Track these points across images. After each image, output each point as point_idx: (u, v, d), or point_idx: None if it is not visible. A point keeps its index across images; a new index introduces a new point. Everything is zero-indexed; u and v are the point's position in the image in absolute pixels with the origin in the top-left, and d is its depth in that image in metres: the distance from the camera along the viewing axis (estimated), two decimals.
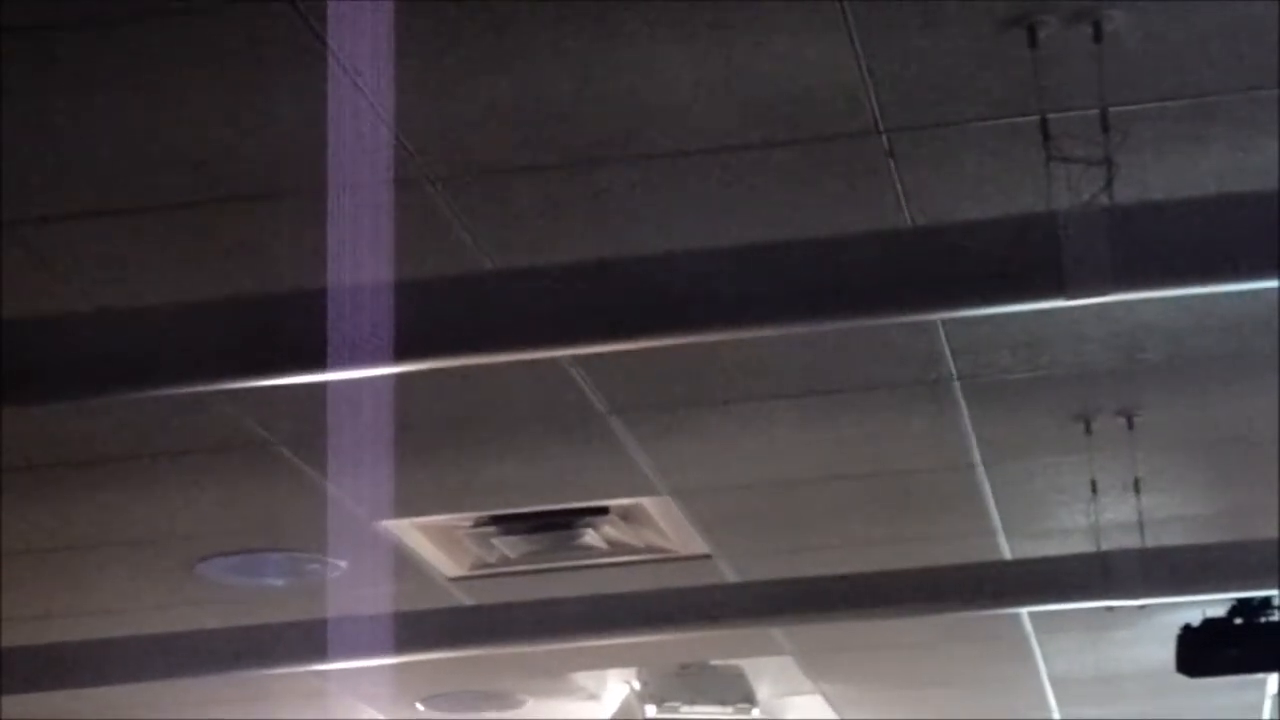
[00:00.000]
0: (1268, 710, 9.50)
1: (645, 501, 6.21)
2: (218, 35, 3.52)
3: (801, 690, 8.74)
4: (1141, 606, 6.60)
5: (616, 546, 6.56)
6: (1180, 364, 5.35)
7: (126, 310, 4.09)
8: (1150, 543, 6.23)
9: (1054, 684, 8.93)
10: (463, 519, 6.32)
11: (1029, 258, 3.69)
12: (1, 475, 5.38)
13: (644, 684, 8.42)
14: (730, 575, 6.83)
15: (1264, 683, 8.86)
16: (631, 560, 6.64)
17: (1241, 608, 6.01)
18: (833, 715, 9.15)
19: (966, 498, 6.31)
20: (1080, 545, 6.50)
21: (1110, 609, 6.73)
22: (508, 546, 6.47)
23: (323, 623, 6.14)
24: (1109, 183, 3.81)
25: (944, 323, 4.95)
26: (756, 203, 4.25)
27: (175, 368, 3.93)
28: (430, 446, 5.56)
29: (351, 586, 6.50)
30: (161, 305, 4.05)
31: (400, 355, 3.81)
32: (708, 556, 6.69)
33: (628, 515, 6.37)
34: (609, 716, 8.62)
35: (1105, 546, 6.26)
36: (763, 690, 8.56)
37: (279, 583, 6.50)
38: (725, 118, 3.92)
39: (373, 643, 6.07)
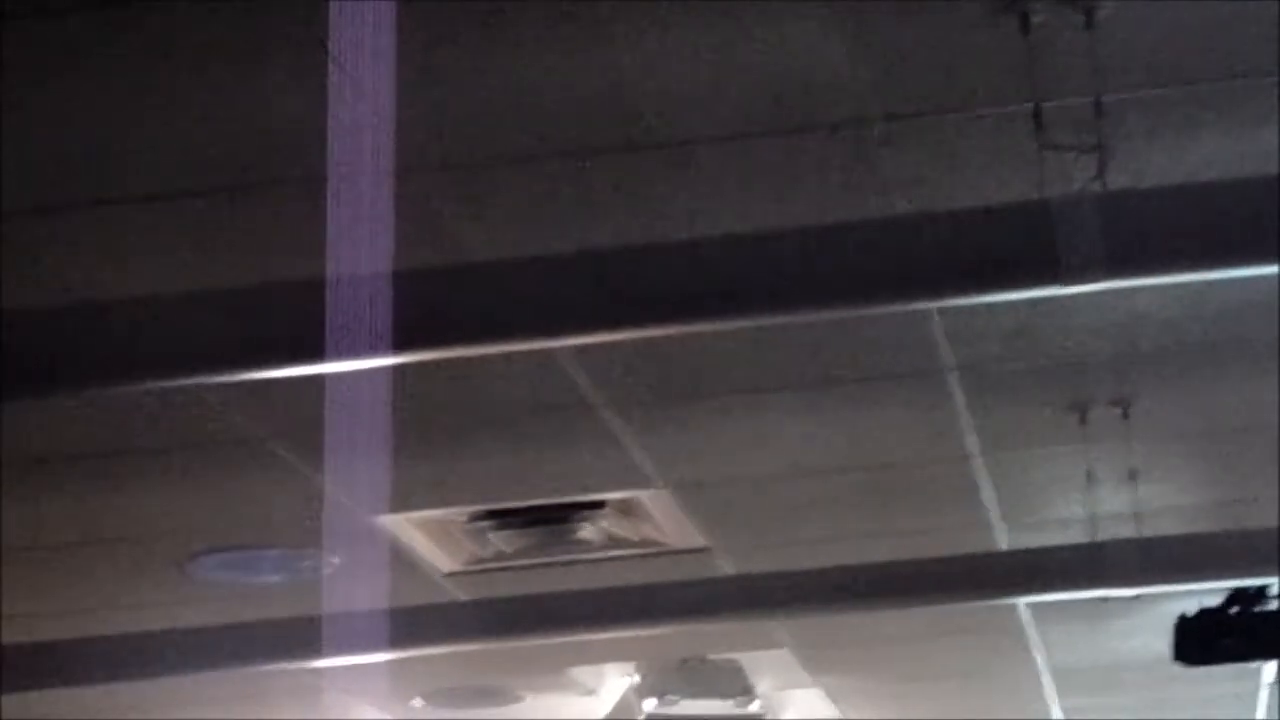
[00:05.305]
0: (1264, 699, 9.51)
1: (642, 495, 6.20)
2: (212, 26, 3.51)
3: (801, 684, 8.73)
4: (1137, 596, 6.61)
5: (613, 540, 6.54)
6: (1175, 353, 5.35)
7: (117, 302, 4.08)
8: (1146, 532, 6.23)
9: (1052, 674, 8.93)
10: (458, 514, 6.31)
11: (1022, 246, 3.69)
12: None
13: (642, 678, 8.41)
14: (727, 568, 6.83)
15: (1260, 671, 8.86)
16: (628, 554, 6.63)
17: (1238, 597, 6.00)
18: (832, 708, 9.15)
19: (962, 488, 6.31)
20: (1076, 535, 6.51)
21: (1107, 599, 6.73)
22: (503, 541, 6.46)
23: (317, 619, 6.13)
24: (1102, 170, 3.81)
25: (939, 313, 4.94)
26: (749, 192, 4.24)
27: (169, 360, 3.92)
28: (425, 441, 5.55)
29: (346, 583, 6.49)
30: (153, 297, 4.04)
31: (394, 347, 3.81)
32: (705, 550, 6.69)
33: (624, 509, 6.36)
34: (607, 712, 8.61)
35: (1101, 537, 6.26)
36: (762, 684, 8.55)
37: (273, 579, 6.48)
38: (717, 107, 3.92)
39: (368, 639, 6.06)
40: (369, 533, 6.22)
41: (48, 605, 6.61)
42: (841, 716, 9.27)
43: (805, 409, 5.58)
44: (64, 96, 3.69)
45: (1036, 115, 3.89)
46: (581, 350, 4.91)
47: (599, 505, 6.29)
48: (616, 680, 8.55)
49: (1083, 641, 8.35)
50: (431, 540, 6.50)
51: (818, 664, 8.40)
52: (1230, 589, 6.02)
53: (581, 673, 8.36)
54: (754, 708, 8.48)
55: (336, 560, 6.40)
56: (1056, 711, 9.59)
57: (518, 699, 8.64)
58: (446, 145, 4.00)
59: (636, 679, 8.43)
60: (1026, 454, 6.08)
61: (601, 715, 8.62)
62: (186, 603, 6.66)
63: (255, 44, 3.57)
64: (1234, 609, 5.98)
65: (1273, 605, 5.98)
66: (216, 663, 6.38)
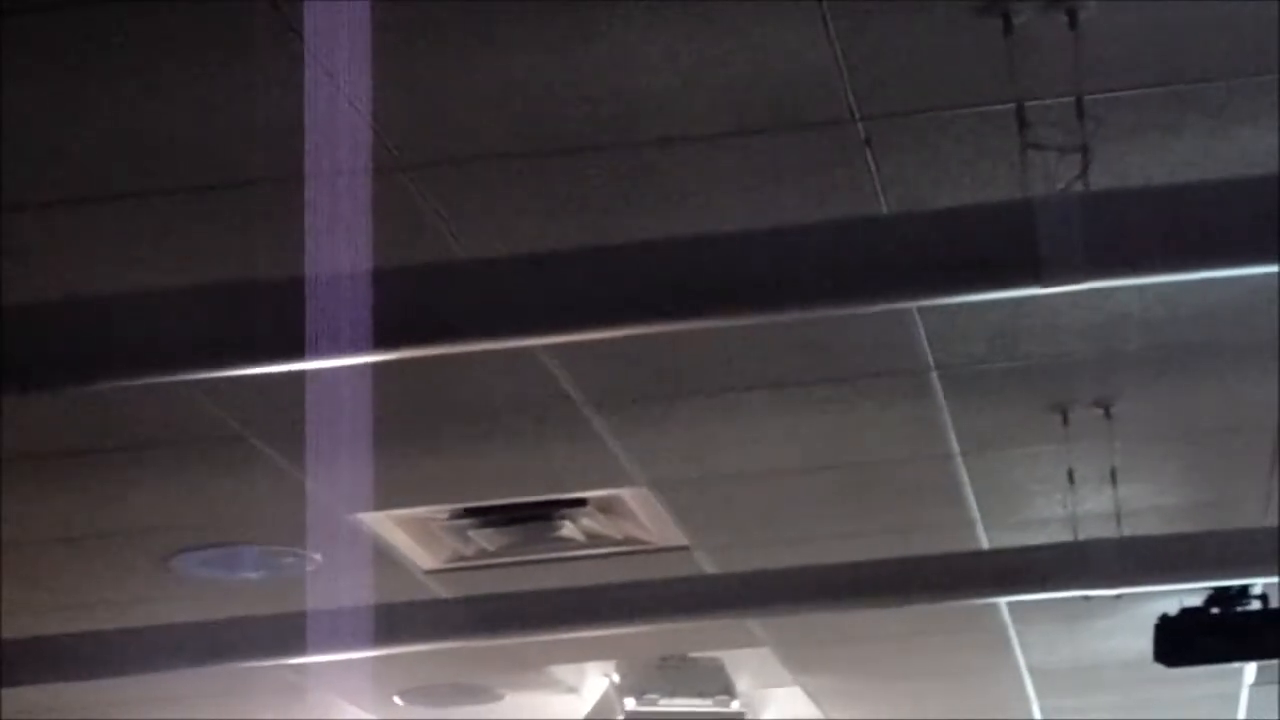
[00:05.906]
0: (1245, 699, 9.53)
1: (623, 493, 6.20)
2: (191, 24, 3.50)
3: (781, 683, 8.73)
4: (1118, 596, 6.61)
5: (594, 538, 6.54)
6: (1157, 354, 5.36)
7: (97, 299, 4.06)
8: (1127, 532, 6.24)
9: (1032, 674, 8.94)
10: (439, 511, 6.30)
11: (1004, 245, 3.68)
12: None
13: (623, 677, 8.41)
14: (708, 567, 6.83)
15: (1240, 672, 8.88)
16: (609, 552, 6.63)
17: (1218, 597, 6.01)
18: (813, 708, 9.16)
19: (944, 488, 6.31)
20: (1058, 535, 6.51)
21: (1087, 599, 6.73)
22: (485, 539, 6.46)
23: (299, 616, 6.11)
24: (1084, 170, 3.80)
25: (921, 313, 4.94)
26: (732, 191, 4.24)
27: (149, 357, 3.90)
28: (406, 438, 5.54)
29: (327, 580, 6.48)
30: (132, 294, 4.02)
31: (375, 344, 3.80)
32: (685, 548, 6.69)
33: (606, 507, 6.35)
34: (588, 710, 8.61)
35: (1083, 536, 6.27)
36: (742, 683, 8.55)
37: (254, 576, 6.48)
38: (701, 106, 3.91)
39: (349, 636, 6.05)
40: (351, 530, 6.22)
41: (29, 601, 6.58)
42: (822, 715, 9.27)
43: (787, 408, 5.58)
44: (33, 96, 3.67)
45: (1019, 115, 3.89)
46: (563, 348, 4.91)
47: (580, 503, 6.29)
48: (597, 678, 8.54)
49: (1064, 641, 8.35)
50: (413, 538, 6.49)
51: (798, 663, 8.41)
52: (1211, 589, 6.04)
53: (562, 671, 8.36)
54: (734, 706, 8.47)
55: (318, 557, 6.39)
56: (1037, 711, 9.60)
57: (498, 697, 8.63)
58: (428, 143, 3.99)
59: (617, 677, 8.43)
60: (1008, 454, 6.09)
61: (582, 714, 8.62)
62: (169, 600, 6.65)
63: (232, 41, 3.56)
64: (1215, 609, 5.99)
65: (1254, 605, 6.00)
66: (198, 660, 6.35)
